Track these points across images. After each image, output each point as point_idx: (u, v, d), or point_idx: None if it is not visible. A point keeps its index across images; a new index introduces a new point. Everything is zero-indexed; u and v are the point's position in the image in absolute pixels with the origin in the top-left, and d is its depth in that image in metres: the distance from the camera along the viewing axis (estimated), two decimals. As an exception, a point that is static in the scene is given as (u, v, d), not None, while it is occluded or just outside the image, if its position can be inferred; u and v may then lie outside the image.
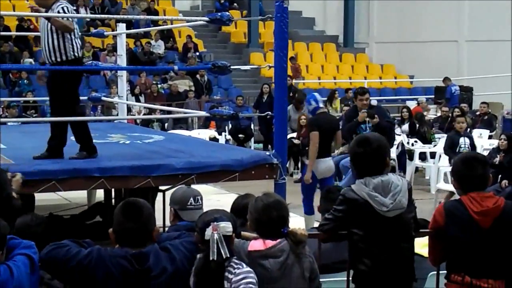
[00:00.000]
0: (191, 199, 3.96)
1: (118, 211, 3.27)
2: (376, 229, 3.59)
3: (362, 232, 3.59)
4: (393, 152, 11.81)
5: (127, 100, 11.27)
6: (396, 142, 11.73)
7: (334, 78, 21.80)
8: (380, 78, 22.31)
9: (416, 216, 3.77)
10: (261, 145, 15.90)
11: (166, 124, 16.49)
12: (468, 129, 14.44)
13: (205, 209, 3.66)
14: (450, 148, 10.18)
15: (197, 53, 20.23)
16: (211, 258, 3.16)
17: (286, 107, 6.23)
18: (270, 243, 3.35)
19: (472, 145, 10.11)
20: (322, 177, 8.20)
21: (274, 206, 3.41)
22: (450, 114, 14.87)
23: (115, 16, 17.03)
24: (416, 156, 12.21)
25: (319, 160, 8.12)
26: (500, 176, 9.06)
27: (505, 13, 21.20)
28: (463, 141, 10.08)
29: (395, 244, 3.61)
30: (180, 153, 6.40)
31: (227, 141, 15.01)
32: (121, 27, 9.37)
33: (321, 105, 8.53)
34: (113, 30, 16.09)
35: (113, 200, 8.24)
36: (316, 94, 8.89)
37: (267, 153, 6.10)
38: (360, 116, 8.86)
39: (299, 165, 12.98)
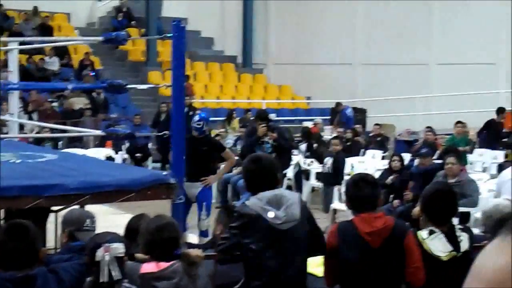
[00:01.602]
0: (88, 220, 3.90)
1: (1, 232, 3.14)
2: (271, 242, 3.63)
3: (257, 247, 3.62)
4: (290, 172, 11.97)
5: (19, 117, 10.88)
6: (293, 162, 11.90)
7: (233, 98, 21.92)
8: (278, 98, 22.62)
9: (317, 234, 3.83)
10: (158, 165, 15.74)
11: (60, 143, 16.06)
12: (361, 150, 14.89)
13: (100, 230, 3.58)
14: (323, 166, 10.71)
15: (91, 72, 19.78)
16: (101, 280, 3.08)
17: (184, 126, 6.18)
18: (163, 265, 3.31)
19: (334, 166, 10.36)
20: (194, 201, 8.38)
21: (166, 228, 3.38)
22: (344, 135, 15.25)
23: (5, 39, 16.49)
24: (313, 176, 12.41)
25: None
26: (392, 196, 9.34)
27: (396, 38, 22.05)
28: (327, 161, 10.45)
29: (289, 258, 3.65)
30: (74, 172, 6.21)
31: (124, 160, 14.78)
32: (13, 43, 9.08)
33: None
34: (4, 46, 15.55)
35: (1, 221, 7.90)
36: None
37: (164, 172, 6.03)
38: (259, 130, 8.93)
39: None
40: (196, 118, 8.65)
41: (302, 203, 3.75)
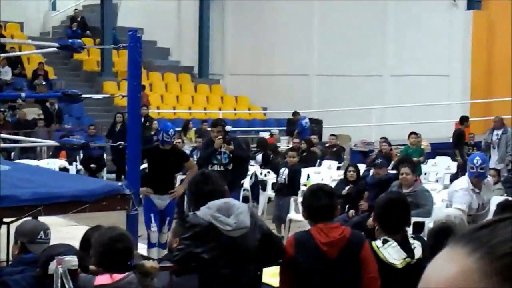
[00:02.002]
0: (42, 232, 3.84)
1: None
2: (224, 251, 3.65)
3: (210, 256, 3.63)
4: (247, 183, 11.97)
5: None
6: (249, 173, 11.90)
7: (189, 109, 21.85)
8: (235, 109, 22.63)
9: (271, 241, 3.86)
10: (114, 175, 15.58)
11: (12, 154, 15.76)
12: (318, 160, 14.97)
13: (54, 242, 3.52)
14: (277, 177, 10.62)
15: (44, 82, 19.49)
16: (54, 293, 3.02)
17: (140, 137, 6.13)
18: (117, 276, 3.27)
19: (290, 177, 10.22)
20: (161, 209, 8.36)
21: (119, 239, 3.34)
22: (300, 146, 15.31)
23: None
24: (269, 186, 12.42)
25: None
26: (347, 206, 9.40)
27: (351, 49, 22.27)
28: (282, 171, 10.34)
29: (243, 266, 3.67)
30: (27, 184, 6.10)
31: (78, 171, 14.59)
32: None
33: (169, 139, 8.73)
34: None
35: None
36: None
37: (120, 183, 5.96)
38: (216, 142, 8.84)
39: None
40: (171, 131, 8.58)
41: (250, 212, 3.82)
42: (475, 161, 6.92)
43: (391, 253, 3.89)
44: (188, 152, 14.76)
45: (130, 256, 3.33)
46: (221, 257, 3.65)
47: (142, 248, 6.39)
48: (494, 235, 0.79)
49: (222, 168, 8.77)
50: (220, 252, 3.65)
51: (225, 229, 3.65)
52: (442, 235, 4.01)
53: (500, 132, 13.98)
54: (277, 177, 10.63)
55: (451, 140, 15.91)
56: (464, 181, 7.08)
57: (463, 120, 15.99)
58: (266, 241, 3.83)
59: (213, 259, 3.64)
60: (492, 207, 7.36)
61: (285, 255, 3.83)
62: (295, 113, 18.98)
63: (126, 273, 3.28)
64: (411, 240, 4.00)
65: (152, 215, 8.25)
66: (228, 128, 8.90)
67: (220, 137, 8.83)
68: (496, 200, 8.24)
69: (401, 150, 14.15)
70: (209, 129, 17.74)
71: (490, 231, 0.80)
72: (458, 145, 14.86)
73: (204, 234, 3.65)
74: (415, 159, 12.29)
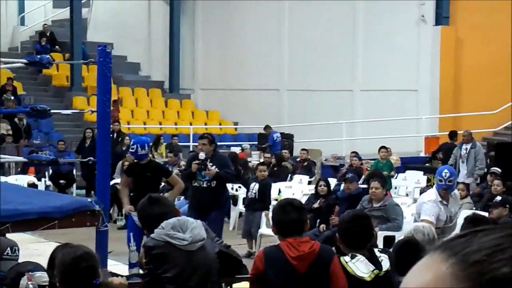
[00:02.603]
0: (8, 249, 3.79)
1: None
2: (184, 266, 3.71)
3: (173, 273, 3.66)
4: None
5: None
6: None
7: (160, 124, 21.79)
8: (206, 124, 22.61)
9: (228, 251, 3.92)
10: (83, 191, 15.44)
11: (-20, 170, 15.56)
12: (289, 175, 14.99)
13: (23, 258, 3.47)
14: (247, 189, 10.50)
15: (11, 97, 19.28)
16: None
17: (109, 152, 6.09)
18: None
19: (260, 192, 10.10)
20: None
21: (82, 258, 3.31)
22: (271, 161, 15.33)
23: None
24: (240, 201, 12.40)
25: None
26: (318, 220, 9.42)
27: (321, 64, 22.42)
28: (253, 186, 10.23)
29: (204, 278, 3.71)
30: (-6, 200, 6.02)
31: (47, 187, 14.44)
32: None
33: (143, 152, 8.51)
34: None
35: None
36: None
37: (89, 199, 5.91)
38: (193, 166, 8.68)
39: (123, 211, 12.74)
40: (146, 145, 8.44)
41: (205, 227, 3.90)
42: (443, 174, 6.99)
43: (359, 266, 3.91)
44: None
45: (94, 275, 3.28)
46: (183, 272, 3.70)
47: (112, 265, 6.32)
48: (469, 243, 0.83)
49: (205, 185, 8.60)
50: (181, 268, 3.70)
51: (182, 244, 3.70)
52: (407, 249, 4.05)
53: (468, 146, 14.13)
54: (247, 192, 10.56)
55: (433, 154, 15.97)
56: (432, 193, 7.15)
57: (453, 135, 16.18)
58: (224, 254, 3.90)
59: (177, 275, 3.69)
60: (460, 221, 7.44)
61: (255, 270, 3.84)
62: (267, 127, 19.01)
63: None
64: (378, 253, 4.02)
65: (131, 234, 8.06)
66: (201, 155, 8.58)
67: (196, 162, 8.57)
68: (465, 213, 8.32)
69: (371, 164, 14.24)
70: (179, 144, 17.74)
71: (466, 240, 0.84)
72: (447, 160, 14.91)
73: (162, 255, 3.69)
74: (385, 173, 12.38)
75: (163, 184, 13.09)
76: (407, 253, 3.99)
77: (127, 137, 15.92)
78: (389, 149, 14.42)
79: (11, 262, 3.69)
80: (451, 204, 7.06)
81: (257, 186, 10.16)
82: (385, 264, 3.97)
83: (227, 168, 8.83)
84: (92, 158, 6.21)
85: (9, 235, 4.86)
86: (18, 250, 3.83)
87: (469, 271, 0.80)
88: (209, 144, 8.64)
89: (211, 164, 8.58)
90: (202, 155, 8.48)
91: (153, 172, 8.39)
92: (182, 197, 11.83)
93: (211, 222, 8.05)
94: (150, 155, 15.32)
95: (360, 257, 3.94)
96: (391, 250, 4.33)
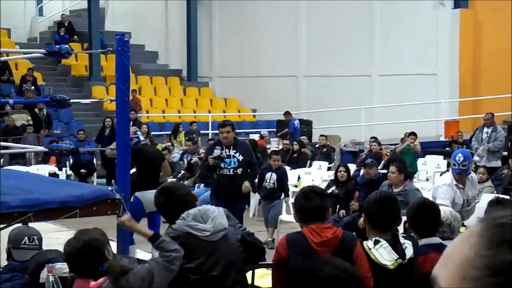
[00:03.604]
0: (26, 238, 3.79)
1: None
2: (207, 256, 3.70)
3: (195, 264, 3.65)
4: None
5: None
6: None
7: (179, 112, 21.83)
8: (224, 111, 22.62)
9: (252, 239, 3.90)
10: (104, 180, 15.53)
11: (1, 160, 15.70)
12: (308, 162, 14.97)
13: (45, 247, 3.49)
14: (260, 182, 10.08)
15: (33, 87, 19.43)
16: (45, 301, 3.00)
17: (128, 141, 6.11)
18: (92, 284, 3.23)
19: (279, 181, 9.93)
20: (149, 210, 8.00)
21: (83, 251, 3.33)
22: (291, 147, 15.32)
23: None
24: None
25: (147, 191, 7.94)
26: (338, 206, 9.41)
27: (339, 50, 22.31)
28: (269, 176, 9.95)
29: (226, 268, 3.70)
30: (16, 190, 6.06)
31: (68, 176, 14.54)
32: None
33: (142, 138, 8.93)
34: None
35: None
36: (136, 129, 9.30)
37: (110, 188, 5.93)
38: (209, 160, 8.62)
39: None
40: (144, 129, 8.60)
41: (227, 214, 3.88)
42: (457, 158, 6.95)
43: (383, 254, 3.90)
44: (178, 155, 14.75)
45: (100, 263, 3.27)
46: (206, 262, 3.70)
47: (137, 253, 6.37)
48: (497, 212, 0.96)
49: (231, 172, 8.50)
50: (204, 258, 3.70)
51: (204, 235, 3.70)
52: (423, 210, 4.05)
53: (490, 130, 14.02)
54: (261, 181, 10.11)
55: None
56: (447, 177, 7.14)
57: None
58: (246, 241, 3.88)
59: (200, 265, 3.69)
60: (482, 204, 7.40)
61: (277, 256, 3.84)
62: (287, 113, 18.95)
63: (100, 281, 3.24)
64: (402, 240, 4.00)
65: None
66: (217, 152, 8.55)
67: (212, 156, 8.50)
68: (486, 197, 8.28)
69: (403, 148, 14.03)
70: (195, 128, 17.75)
71: (496, 210, 0.97)
72: None
73: (184, 245, 3.68)
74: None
75: (183, 172, 13.17)
76: (424, 213, 4.00)
77: (144, 126, 15.96)
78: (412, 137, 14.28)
79: (29, 251, 3.70)
80: (467, 188, 7.02)
81: (274, 175, 9.94)
82: (409, 251, 3.95)
83: (251, 156, 8.74)
84: (111, 147, 6.22)
85: (31, 224, 4.91)
86: (39, 239, 3.83)
87: (493, 230, 0.92)
88: (232, 131, 8.58)
89: (234, 151, 8.53)
90: (217, 152, 8.48)
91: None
92: (202, 185, 11.86)
93: (239, 213, 8.06)
94: (169, 143, 15.42)
95: (383, 243, 3.92)
96: (406, 211, 4.31)
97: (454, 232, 4.20)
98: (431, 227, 4.02)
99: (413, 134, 14.17)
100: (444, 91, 22.90)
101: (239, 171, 8.49)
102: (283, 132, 18.58)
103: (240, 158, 8.48)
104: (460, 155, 7.02)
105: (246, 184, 8.54)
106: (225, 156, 8.51)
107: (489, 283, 0.89)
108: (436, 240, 3.99)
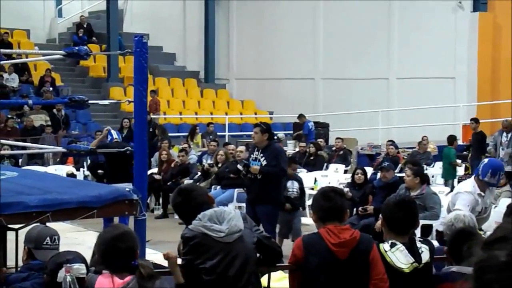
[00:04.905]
0: (48, 238, 3.84)
1: None
2: (221, 257, 3.71)
3: (209, 265, 3.67)
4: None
5: (-23, 135, 10.70)
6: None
7: (196, 114, 21.89)
8: (241, 113, 22.65)
9: (268, 241, 3.89)
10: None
11: (20, 160, 15.82)
12: (325, 164, 14.95)
13: (62, 247, 3.52)
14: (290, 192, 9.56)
15: (51, 88, 19.56)
16: (63, 301, 3.02)
17: (146, 142, 6.13)
18: (117, 282, 3.25)
19: (301, 189, 9.61)
20: None
21: (123, 238, 3.33)
22: (307, 150, 15.31)
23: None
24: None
25: (117, 184, 8.11)
26: (355, 209, 9.39)
27: (356, 52, 22.27)
28: (291, 184, 9.55)
29: (241, 270, 3.69)
30: (34, 190, 6.11)
31: (85, 177, 14.62)
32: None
33: (115, 136, 10.09)
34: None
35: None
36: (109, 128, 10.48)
37: (127, 188, 5.96)
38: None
39: (160, 200, 12.86)
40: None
41: (243, 216, 3.88)
42: (499, 175, 6.83)
43: (399, 257, 3.88)
44: (195, 157, 14.77)
45: (133, 256, 3.31)
46: (220, 263, 3.71)
47: (151, 253, 6.37)
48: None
49: (253, 176, 8.30)
50: (219, 259, 3.71)
51: (219, 236, 3.71)
52: (462, 238, 3.97)
53: (510, 134, 13.95)
54: (280, 191, 9.11)
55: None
56: (470, 184, 7.03)
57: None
58: (263, 244, 3.88)
59: (214, 266, 3.70)
60: (502, 209, 7.34)
61: (294, 258, 3.84)
62: (301, 116, 18.96)
63: (127, 279, 3.26)
64: (418, 244, 3.98)
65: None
66: (239, 167, 8.66)
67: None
68: (504, 201, 8.22)
69: (442, 151, 14.02)
70: (212, 129, 17.75)
71: None
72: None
73: (200, 245, 3.71)
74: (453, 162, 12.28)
75: (199, 173, 13.20)
76: (462, 241, 3.93)
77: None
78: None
79: (51, 251, 3.74)
80: (487, 196, 6.96)
81: (296, 183, 9.58)
82: (425, 256, 3.93)
83: (273, 159, 8.33)
84: (129, 148, 6.25)
85: (49, 224, 4.94)
86: (58, 239, 3.88)
87: None
88: (261, 133, 8.31)
89: (262, 155, 8.31)
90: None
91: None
92: (219, 187, 11.88)
93: (262, 216, 8.02)
94: (186, 145, 15.45)
95: (400, 246, 3.91)
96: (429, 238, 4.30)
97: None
98: (464, 254, 3.92)
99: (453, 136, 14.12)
100: (462, 95, 22.77)
101: (259, 176, 8.25)
102: (297, 134, 18.58)
103: (264, 163, 8.25)
104: (501, 172, 6.89)
105: (255, 166, 8.27)
106: (254, 159, 8.36)
107: None
108: (466, 269, 3.89)
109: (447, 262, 4.06)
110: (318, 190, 4.06)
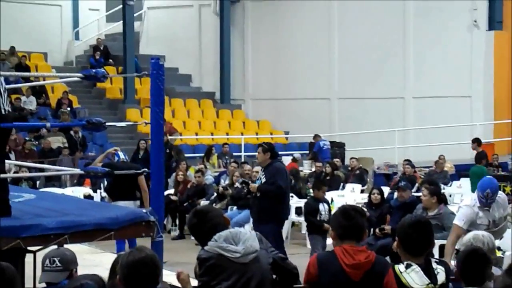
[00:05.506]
0: (47, 260, 3.93)
1: None
2: (237, 278, 3.71)
3: (226, 286, 3.67)
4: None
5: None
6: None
7: (212, 134, 21.94)
8: (257, 134, 22.67)
9: (283, 262, 3.87)
10: (138, 202, 15.60)
11: (38, 182, 15.91)
12: (341, 184, 14.91)
13: (80, 269, 3.53)
14: (310, 214, 9.49)
15: (69, 109, 19.68)
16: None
17: (163, 163, 6.16)
18: None
19: (330, 211, 9.45)
20: None
21: (145, 262, 3.31)
22: (324, 169, 15.28)
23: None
24: (293, 211, 12.37)
25: (120, 202, 8.32)
26: (372, 229, 9.35)
27: (372, 72, 22.26)
28: (323, 207, 9.46)
29: None
30: (52, 212, 6.16)
31: (102, 198, 14.67)
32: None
33: (122, 157, 10.31)
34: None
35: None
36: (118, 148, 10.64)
37: (144, 210, 5.98)
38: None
39: (177, 221, 12.87)
40: None
41: (259, 237, 3.89)
42: (485, 194, 6.79)
43: (414, 278, 3.86)
44: (211, 177, 14.77)
45: (156, 282, 3.30)
46: (236, 284, 3.71)
47: (168, 275, 6.38)
48: None
49: (254, 195, 8.77)
50: (234, 281, 3.71)
51: (235, 257, 3.71)
52: (474, 259, 3.94)
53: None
54: (312, 215, 9.44)
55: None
56: (469, 199, 7.09)
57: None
58: (278, 265, 3.88)
59: (230, 287, 3.70)
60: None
61: (308, 276, 3.83)
62: (316, 136, 19.01)
63: None
64: (434, 265, 3.96)
65: None
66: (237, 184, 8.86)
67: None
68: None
69: (472, 170, 13.97)
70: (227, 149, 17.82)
71: None
72: None
73: (215, 266, 3.71)
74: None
75: (215, 194, 13.20)
76: (474, 262, 3.90)
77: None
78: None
79: (50, 273, 3.85)
80: (493, 209, 6.92)
81: (326, 206, 9.50)
82: (441, 277, 3.91)
83: (272, 179, 8.52)
84: (146, 169, 6.28)
85: (67, 246, 4.97)
86: (61, 260, 3.93)
87: None
88: (263, 152, 8.62)
89: (263, 174, 8.63)
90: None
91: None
92: (235, 208, 11.89)
93: (263, 233, 8.05)
94: (202, 166, 15.48)
95: (415, 267, 3.89)
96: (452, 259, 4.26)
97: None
98: (479, 277, 3.89)
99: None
100: (479, 114, 22.65)
101: (257, 194, 8.59)
102: (313, 153, 18.55)
103: (263, 180, 8.55)
104: (488, 190, 6.82)
105: (253, 185, 8.72)
106: (258, 178, 8.73)
107: None
108: None
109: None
110: (338, 208, 4.05)
